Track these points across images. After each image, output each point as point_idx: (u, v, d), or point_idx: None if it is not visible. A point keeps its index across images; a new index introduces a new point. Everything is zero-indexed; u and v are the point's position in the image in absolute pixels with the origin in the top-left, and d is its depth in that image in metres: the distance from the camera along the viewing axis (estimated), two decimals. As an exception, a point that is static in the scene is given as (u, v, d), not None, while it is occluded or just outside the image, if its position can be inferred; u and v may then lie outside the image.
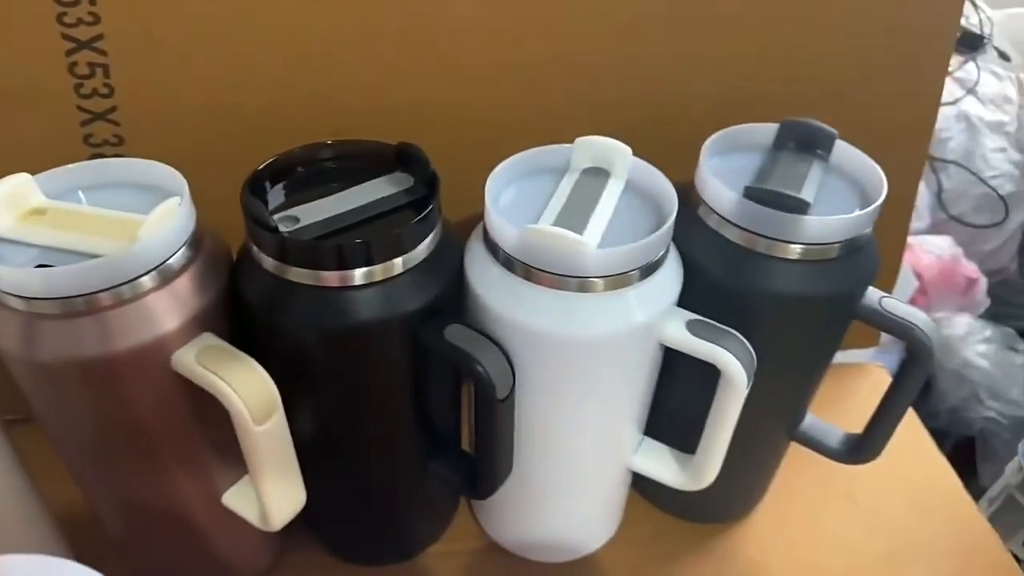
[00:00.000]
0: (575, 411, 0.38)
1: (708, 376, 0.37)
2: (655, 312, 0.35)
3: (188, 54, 0.43)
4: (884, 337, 0.56)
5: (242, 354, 0.33)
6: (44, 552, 0.41)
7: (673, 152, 0.38)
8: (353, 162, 0.37)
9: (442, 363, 0.38)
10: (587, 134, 0.38)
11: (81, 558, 0.25)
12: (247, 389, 0.32)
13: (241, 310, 0.35)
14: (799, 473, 0.50)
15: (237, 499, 0.39)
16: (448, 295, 0.36)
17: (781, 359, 0.39)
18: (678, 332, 0.35)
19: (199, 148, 0.42)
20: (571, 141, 0.39)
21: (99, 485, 0.38)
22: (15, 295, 0.31)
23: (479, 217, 0.39)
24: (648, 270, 0.34)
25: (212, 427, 0.37)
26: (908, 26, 0.48)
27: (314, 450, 0.37)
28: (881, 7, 0.47)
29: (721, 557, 0.49)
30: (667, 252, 0.36)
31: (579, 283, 0.34)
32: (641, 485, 0.48)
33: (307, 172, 0.37)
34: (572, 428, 0.39)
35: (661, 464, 0.42)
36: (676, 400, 0.42)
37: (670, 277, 0.36)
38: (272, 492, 0.35)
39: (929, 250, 1.10)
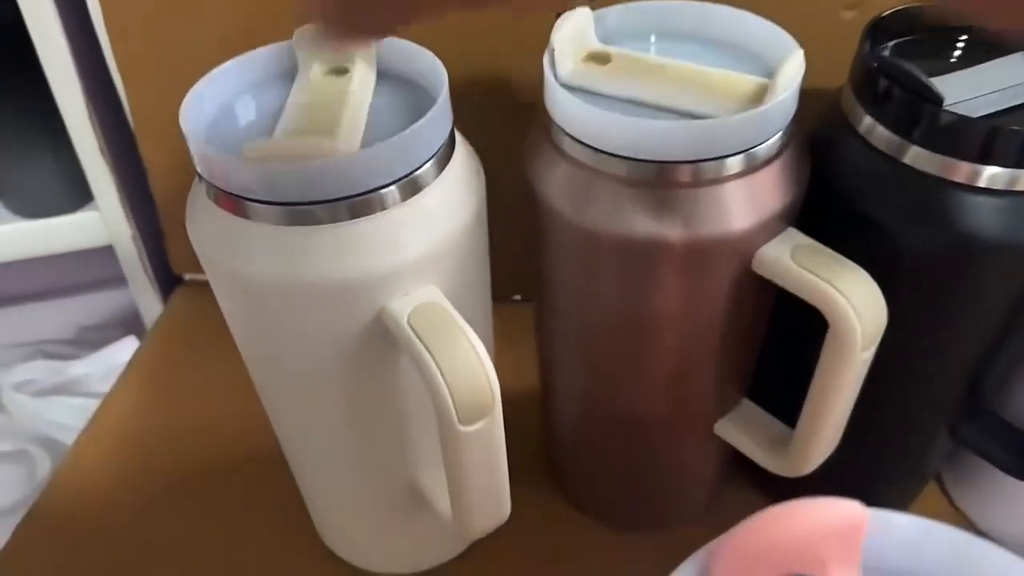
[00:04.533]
0: None
1: None
2: None
3: None
4: None
5: (846, 259, 0.26)
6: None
7: None
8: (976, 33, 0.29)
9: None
10: None
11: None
12: (861, 302, 0.25)
13: (825, 199, 0.28)
14: None
15: (732, 429, 0.33)
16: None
17: None
18: None
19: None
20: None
21: (586, 378, 0.33)
22: (584, 144, 0.26)
23: None
24: None
25: (745, 341, 0.31)
26: None
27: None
28: None
29: None
30: None
31: None
32: None
33: (925, 35, 0.29)
34: None
35: None
36: None
37: None
38: (817, 433, 0.29)
39: None
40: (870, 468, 0.35)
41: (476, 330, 0.30)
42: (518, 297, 0.47)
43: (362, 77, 0.27)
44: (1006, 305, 0.28)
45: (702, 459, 0.35)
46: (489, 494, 0.27)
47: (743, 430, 0.33)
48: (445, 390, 0.23)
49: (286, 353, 0.27)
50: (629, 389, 0.32)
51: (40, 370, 0.61)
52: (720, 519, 0.39)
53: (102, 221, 0.55)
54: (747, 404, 0.33)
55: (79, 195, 0.55)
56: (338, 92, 0.26)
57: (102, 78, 0.50)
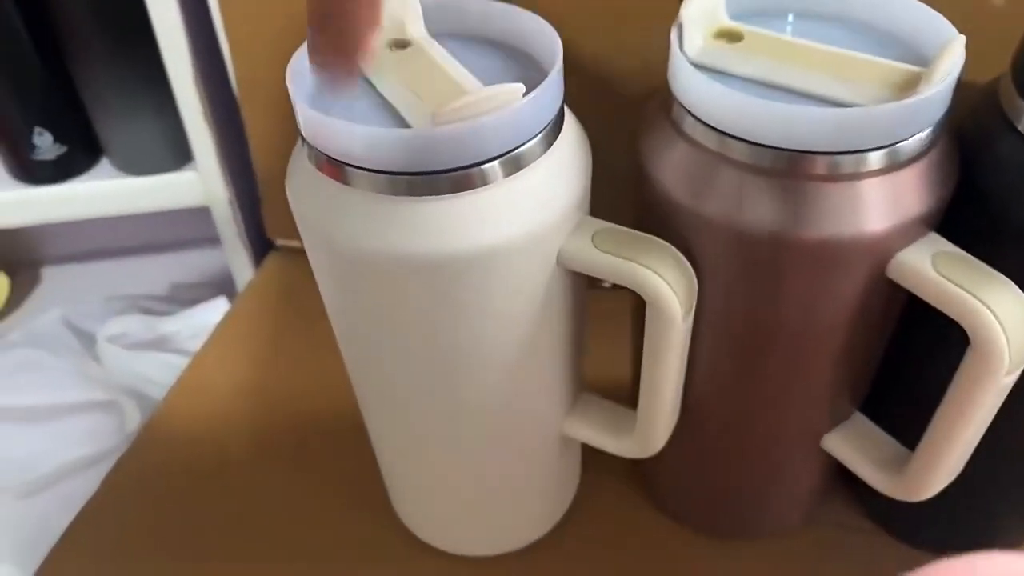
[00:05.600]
0: None
1: None
2: None
3: None
4: None
5: (995, 271, 0.23)
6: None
7: None
8: None
9: None
10: None
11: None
12: (1011, 320, 0.22)
13: (974, 203, 0.25)
14: None
15: (842, 444, 0.31)
16: None
17: None
18: None
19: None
20: None
21: (686, 378, 0.32)
22: (708, 125, 0.24)
23: None
24: None
25: (866, 351, 0.28)
26: None
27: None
28: None
29: None
30: None
31: None
32: None
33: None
34: None
35: None
36: None
37: None
38: (942, 458, 0.26)
39: None
40: (990, 495, 0.33)
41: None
42: (608, 284, 0.45)
43: (431, 46, 0.26)
44: None
45: (804, 471, 0.33)
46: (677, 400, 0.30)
47: (854, 446, 0.30)
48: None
49: (376, 327, 0.26)
50: (732, 394, 0.30)
51: (133, 324, 0.62)
52: (817, 531, 0.37)
53: (200, 182, 0.55)
54: (860, 418, 0.31)
55: (180, 156, 0.56)
56: (421, 63, 0.25)
57: (210, 43, 0.50)
